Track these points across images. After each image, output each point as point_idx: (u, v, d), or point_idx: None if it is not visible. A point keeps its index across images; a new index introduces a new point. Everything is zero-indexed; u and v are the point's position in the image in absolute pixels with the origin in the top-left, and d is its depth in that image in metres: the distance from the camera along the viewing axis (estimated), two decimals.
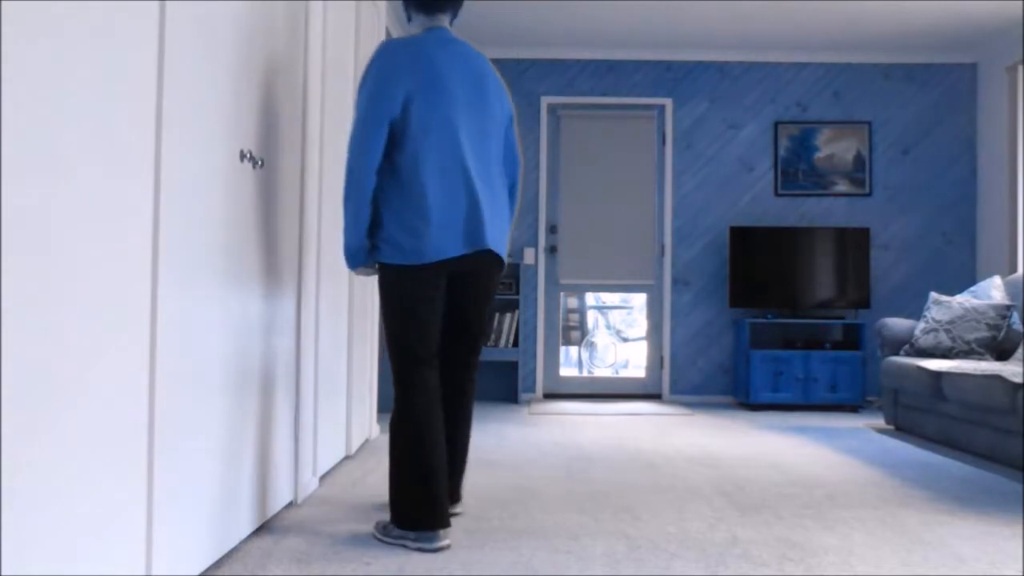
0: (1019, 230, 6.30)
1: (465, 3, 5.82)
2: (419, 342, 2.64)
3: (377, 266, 2.67)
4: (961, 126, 6.85)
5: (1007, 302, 5.11)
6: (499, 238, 2.74)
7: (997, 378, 4.02)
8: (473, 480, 3.51)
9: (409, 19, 2.87)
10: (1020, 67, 6.32)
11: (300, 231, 2.98)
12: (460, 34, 6.54)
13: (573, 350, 7.76)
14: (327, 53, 3.38)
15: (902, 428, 5.17)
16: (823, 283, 6.56)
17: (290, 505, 2.98)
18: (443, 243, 2.60)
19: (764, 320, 6.39)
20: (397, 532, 2.55)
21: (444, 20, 2.83)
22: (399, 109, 2.61)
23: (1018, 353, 4.88)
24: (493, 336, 6.63)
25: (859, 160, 6.83)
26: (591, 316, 7.99)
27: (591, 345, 7.95)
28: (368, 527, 2.73)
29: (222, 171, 2.20)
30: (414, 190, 2.59)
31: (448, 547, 2.52)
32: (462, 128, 2.67)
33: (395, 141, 2.62)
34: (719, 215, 6.85)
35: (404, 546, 2.52)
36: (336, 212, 3.60)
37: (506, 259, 2.75)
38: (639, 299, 7.21)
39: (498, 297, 6.63)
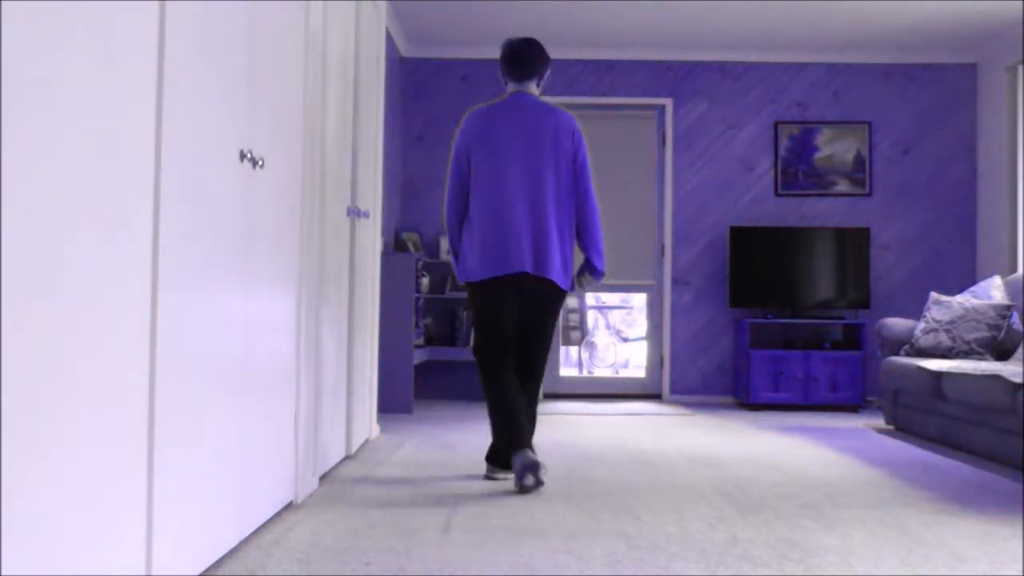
0: (1019, 230, 6.30)
1: (466, 3, 5.82)
2: (485, 337, 3.50)
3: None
4: (961, 126, 6.85)
5: (1007, 302, 5.11)
6: (542, 262, 3.41)
7: (997, 378, 4.02)
8: (473, 479, 3.51)
9: (505, 84, 3.62)
10: (1020, 67, 6.32)
11: (300, 231, 2.98)
12: (461, 34, 6.55)
13: (573, 350, 7.76)
14: (327, 53, 3.38)
15: (902, 428, 5.17)
16: (823, 283, 6.56)
17: (290, 505, 2.98)
18: (486, 267, 3.42)
19: (764, 320, 6.39)
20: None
21: (528, 85, 3.57)
22: (468, 168, 3.51)
23: (1018, 353, 4.88)
24: None
25: (859, 160, 6.84)
26: (591, 316, 7.99)
27: (591, 345, 7.94)
28: (368, 527, 2.73)
29: (222, 171, 2.20)
30: (471, 227, 3.48)
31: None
32: (512, 177, 3.41)
33: (469, 191, 3.51)
34: (719, 215, 6.85)
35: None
36: (338, 211, 3.60)
37: (560, 281, 3.47)
38: (639, 299, 7.21)
39: None
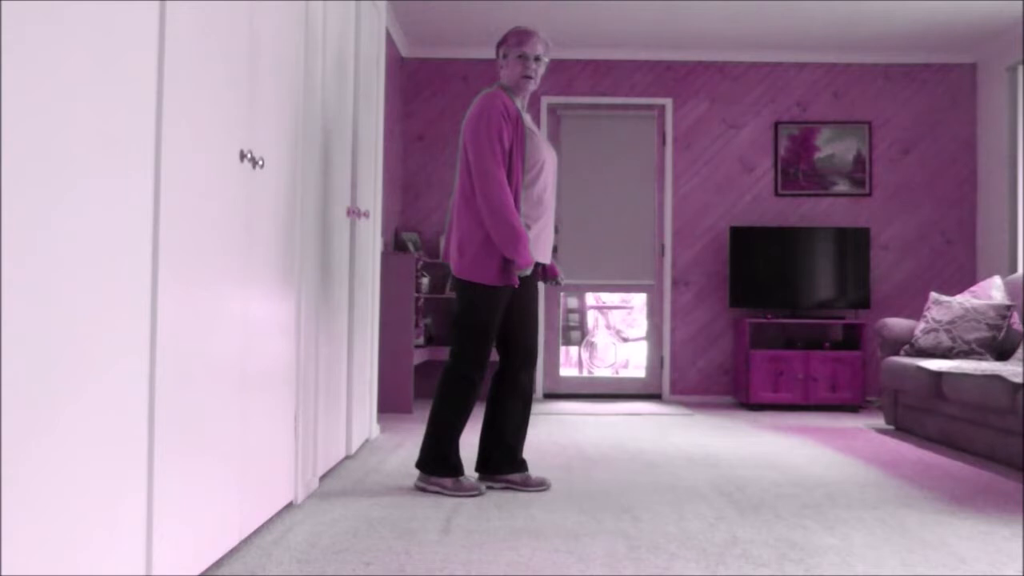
0: (1019, 230, 6.30)
1: (466, 3, 5.83)
2: None
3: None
4: (961, 126, 6.85)
5: (1007, 302, 5.11)
6: (447, 247, 3.37)
7: (997, 378, 4.02)
8: (472, 478, 3.51)
9: None
10: (1020, 67, 6.32)
11: (300, 231, 2.98)
12: (461, 34, 6.55)
13: (573, 350, 7.76)
14: (327, 53, 3.38)
15: (902, 428, 5.17)
16: (823, 283, 6.56)
17: (290, 505, 2.98)
18: None
19: (764, 320, 6.39)
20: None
21: None
22: None
23: (1018, 353, 4.88)
24: None
25: (859, 160, 6.84)
26: (591, 316, 7.99)
27: (591, 345, 7.95)
28: (368, 527, 2.73)
29: (222, 171, 2.20)
30: None
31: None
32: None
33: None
34: (719, 215, 6.85)
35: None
36: (338, 211, 3.60)
37: (453, 265, 3.31)
38: (639, 299, 7.21)
39: None
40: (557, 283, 3.61)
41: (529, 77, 3.32)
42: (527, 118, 3.35)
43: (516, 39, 3.34)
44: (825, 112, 6.87)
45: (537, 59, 3.34)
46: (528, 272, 3.20)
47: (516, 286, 3.26)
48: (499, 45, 3.41)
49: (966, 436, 4.39)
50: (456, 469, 3.26)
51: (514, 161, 3.22)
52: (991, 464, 4.09)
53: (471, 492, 3.22)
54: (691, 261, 6.84)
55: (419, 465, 3.30)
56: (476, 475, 3.42)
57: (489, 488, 3.37)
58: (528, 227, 3.29)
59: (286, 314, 2.83)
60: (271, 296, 2.65)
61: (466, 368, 3.27)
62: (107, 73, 1.60)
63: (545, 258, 3.39)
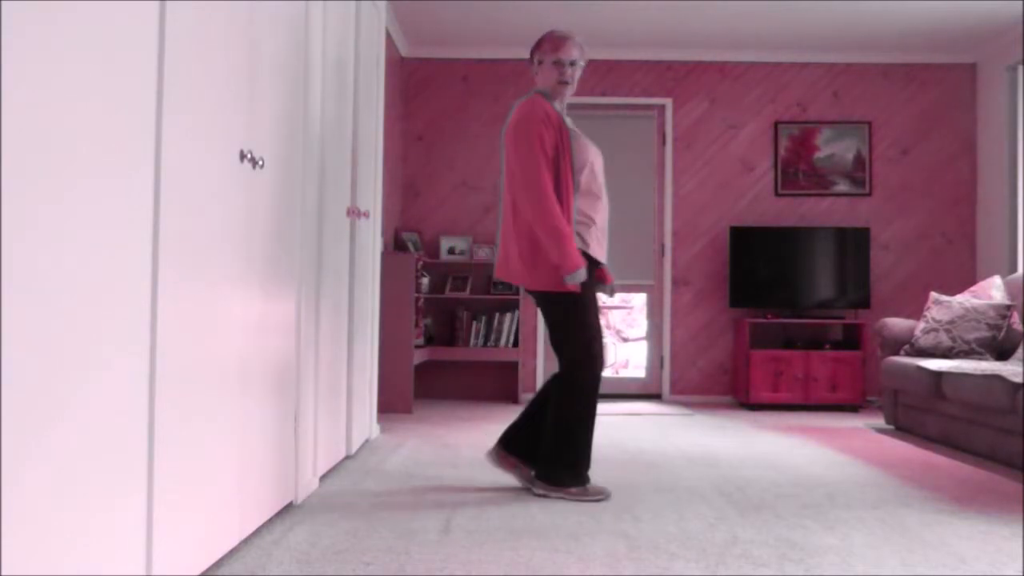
0: (1019, 230, 6.30)
1: (466, 3, 5.83)
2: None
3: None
4: (961, 126, 6.85)
5: (1007, 302, 5.11)
6: (502, 262, 3.33)
7: (997, 378, 4.02)
8: (473, 479, 3.51)
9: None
10: (1020, 67, 6.32)
11: (300, 231, 2.98)
12: (461, 34, 6.55)
13: None
14: (327, 53, 3.38)
15: (902, 428, 5.17)
16: (823, 283, 6.56)
17: (290, 505, 2.98)
18: None
19: (764, 320, 6.39)
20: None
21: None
22: None
23: (1018, 353, 4.88)
24: (493, 336, 6.63)
25: (859, 160, 6.83)
26: None
27: None
28: (368, 527, 2.73)
29: (222, 171, 2.20)
30: None
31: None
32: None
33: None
34: (719, 215, 6.85)
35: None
36: (338, 211, 3.60)
37: (529, 285, 3.26)
38: (639, 299, 7.21)
39: (499, 297, 6.65)
40: (611, 290, 3.48)
41: (565, 82, 3.29)
42: (569, 121, 3.32)
43: (551, 45, 3.30)
44: (825, 112, 6.87)
45: (573, 64, 3.30)
46: (580, 278, 3.10)
47: (578, 292, 3.15)
48: (533, 50, 3.36)
49: (966, 436, 4.39)
50: (584, 478, 3.21)
51: (562, 165, 3.18)
52: (991, 464, 4.09)
53: (597, 497, 3.17)
54: (691, 261, 6.84)
55: (543, 477, 3.21)
56: (495, 448, 3.40)
57: (499, 462, 3.36)
58: (588, 227, 3.25)
59: (286, 314, 2.83)
60: (271, 296, 2.65)
61: (582, 373, 3.18)
62: (107, 72, 1.60)
63: (603, 257, 3.32)
